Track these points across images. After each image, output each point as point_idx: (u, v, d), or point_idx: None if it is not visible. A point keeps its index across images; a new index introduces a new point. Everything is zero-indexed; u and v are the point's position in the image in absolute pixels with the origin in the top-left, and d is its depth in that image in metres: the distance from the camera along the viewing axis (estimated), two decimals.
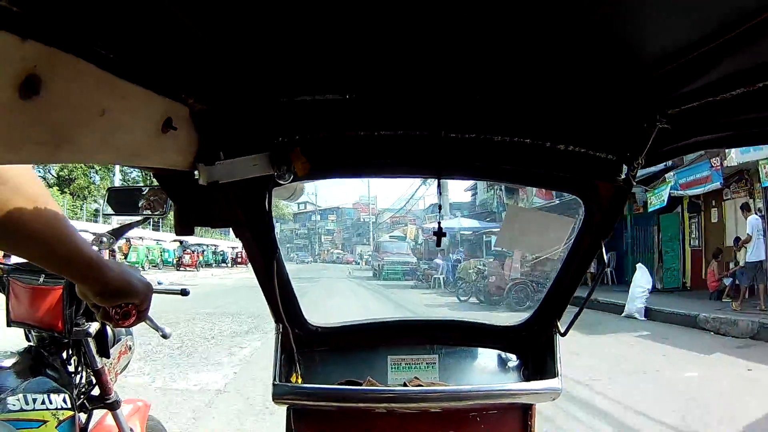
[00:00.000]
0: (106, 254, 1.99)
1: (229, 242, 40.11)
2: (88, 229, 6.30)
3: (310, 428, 1.57)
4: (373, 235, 55.53)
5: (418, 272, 21.93)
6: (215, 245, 38.50)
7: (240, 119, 1.13)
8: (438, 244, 1.41)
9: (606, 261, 1.49)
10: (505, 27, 0.84)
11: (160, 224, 33.13)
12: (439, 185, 1.36)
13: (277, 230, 1.43)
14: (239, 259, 36.59)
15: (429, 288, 18.87)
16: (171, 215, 1.34)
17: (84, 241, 0.85)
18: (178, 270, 28.88)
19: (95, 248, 1.92)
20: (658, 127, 1.13)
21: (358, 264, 45.54)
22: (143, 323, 1.48)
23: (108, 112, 0.73)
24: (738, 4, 0.72)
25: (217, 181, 1.08)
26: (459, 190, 49.62)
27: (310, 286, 17.74)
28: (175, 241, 30.71)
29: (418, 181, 26.09)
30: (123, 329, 1.98)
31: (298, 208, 76.70)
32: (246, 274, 22.62)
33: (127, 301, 0.98)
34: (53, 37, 0.59)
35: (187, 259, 30.64)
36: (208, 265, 33.63)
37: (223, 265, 36.69)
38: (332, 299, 14.68)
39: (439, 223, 1.39)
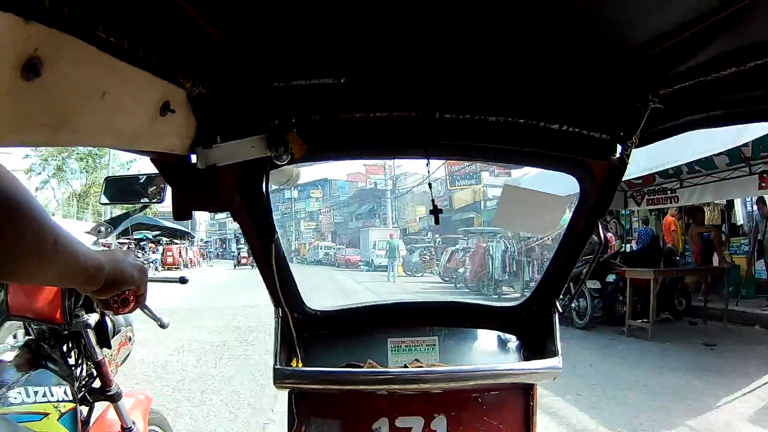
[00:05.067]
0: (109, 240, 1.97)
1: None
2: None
3: (312, 412, 1.58)
4: (394, 211, 33.32)
5: None
6: None
7: (237, 103, 1.13)
8: (436, 222, 1.43)
9: (602, 240, 1.51)
10: (496, 9, 0.85)
11: None
12: (428, 164, 1.38)
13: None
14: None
15: None
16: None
17: (84, 251, 0.80)
18: None
19: (93, 239, 1.92)
20: (651, 107, 1.15)
21: (390, 271, 19.70)
22: (141, 313, 1.49)
23: (108, 95, 0.73)
24: None
25: (214, 164, 1.09)
26: None
27: None
28: None
29: None
30: (122, 320, 1.98)
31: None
32: None
33: (124, 289, 0.97)
34: (55, 19, 0.59)
35: None
36: None
37: None
38: None
39: (433, 200, 1.42)
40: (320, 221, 48.87)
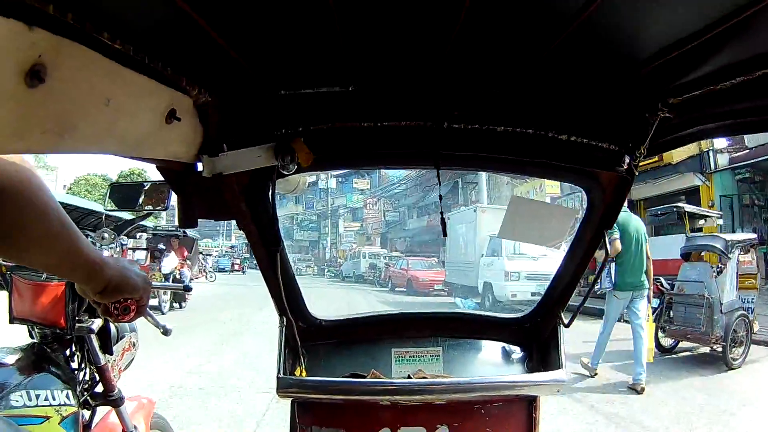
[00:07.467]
0: (108, 251, 1.98)
1: None
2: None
3: (315, 421, 1.57)
4: (490, 190, 20.09)
5: None
6: None
7: (243, 111, 1.13)
8: (444, 233, 1.42)
9: (608, 251, 1.50)
10: (505, 19, 0.84)
11: None
12: (438, 175, 1.36)
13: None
14: None
15: None
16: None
17: (87, 244, 0.87)
18: None
19: (97, 245, 1.92)
20: (659, 117, 1.14)
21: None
22: (144, 319, 1.49)
23: (113, 102, 0.73)
24: None
25: (220, 172, 1.09)
26: None
27: None
28: None
29: None
30: (127, 326, 1.98)
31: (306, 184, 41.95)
32: None
33: (126, 297, 0.99)
34: (59, 26, 0.59)
35: None
36: None
37: None
38: None
39: (441, 212, 1.40)
40: (364, 217, 34.90)
